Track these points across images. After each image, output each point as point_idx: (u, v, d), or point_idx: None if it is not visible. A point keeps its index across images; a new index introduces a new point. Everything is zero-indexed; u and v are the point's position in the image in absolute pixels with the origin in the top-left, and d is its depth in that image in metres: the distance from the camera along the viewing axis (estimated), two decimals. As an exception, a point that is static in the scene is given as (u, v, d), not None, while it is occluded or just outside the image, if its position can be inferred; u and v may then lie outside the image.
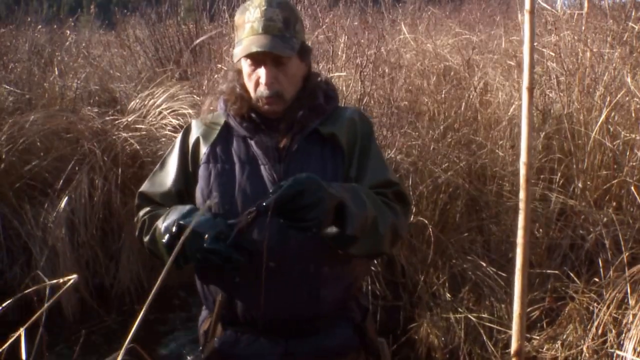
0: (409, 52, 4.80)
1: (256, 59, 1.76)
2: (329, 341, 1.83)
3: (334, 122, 1.86)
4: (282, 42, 1.73)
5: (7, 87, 5.33)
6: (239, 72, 1.87)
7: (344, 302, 1.88)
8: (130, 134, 4.56)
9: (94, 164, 4.45)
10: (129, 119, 4.72)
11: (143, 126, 4.55)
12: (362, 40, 3.91)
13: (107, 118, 4.86)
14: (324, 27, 3.91)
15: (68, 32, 6.87)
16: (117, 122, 4.78)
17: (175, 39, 7.31)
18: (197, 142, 1.89)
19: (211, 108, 1.99)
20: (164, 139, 4.57)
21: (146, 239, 1.83)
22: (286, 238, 1.67)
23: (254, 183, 1.78)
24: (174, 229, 1.63)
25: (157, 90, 4.96)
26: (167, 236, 1.65)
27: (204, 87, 4.37)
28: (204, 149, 1.87)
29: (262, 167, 1.79)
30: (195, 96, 4.66)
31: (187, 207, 1.74)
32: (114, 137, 4.57)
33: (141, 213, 1.91)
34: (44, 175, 4.68)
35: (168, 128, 4.63)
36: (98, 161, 4.41)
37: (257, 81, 1.79)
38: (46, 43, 6.81)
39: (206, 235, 1.59)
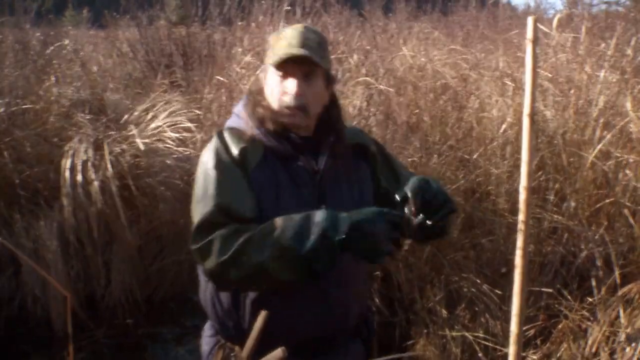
0: (403, 65, 4.84)
1: (288, 70, 1.81)
2: (345, 358, 1.89)
3: (360, 138, 2.01)
4: (318, 56, 1.80)
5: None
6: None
7: (361, 318, 1.95)
8: (125, 146, 4.55)
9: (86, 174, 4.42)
10: (128, 133, 4.69)
11: (140, 140, 4.52)
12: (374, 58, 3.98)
13: (101, 128, 4.82)
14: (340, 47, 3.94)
15: (67, 41, 6.80)
16: (111, 132, 4.74)
17: (166, 42, 7.29)
18: (244, 153, 1.81)
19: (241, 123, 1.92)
20: (161, 152, 4.56)
21: (260, 258, 1.61)
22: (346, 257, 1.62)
23: (296, 209, 1.70)
24: (342, 230, 1.57)
25: (155, 100, 4.96)
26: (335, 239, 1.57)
27: (204, 99, 4.38)
28: (252, 165, 1.81)
29: (303, 191, 1.83)
30: (196, 110, 4.67)
31: (313, 213, 1.65)
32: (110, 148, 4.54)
33: (229, 231, 1.68)
34: (35, 184, 4.64)
35: (167, 141, 4.63)
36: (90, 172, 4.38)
37: (283, 91, 1.82)
38: (38, 47, 6.77)
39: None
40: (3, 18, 6.74)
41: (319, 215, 1.63)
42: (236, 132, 1.87)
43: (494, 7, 11.94)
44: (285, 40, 1.83)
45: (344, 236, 1.57)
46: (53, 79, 5.86)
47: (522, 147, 2.30)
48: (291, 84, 1.82)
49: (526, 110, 2.28)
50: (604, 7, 5.11)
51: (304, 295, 1.77)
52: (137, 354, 4.11)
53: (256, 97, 1.90)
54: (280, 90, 1.83)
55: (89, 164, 4.28)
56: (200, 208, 1.74)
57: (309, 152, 1.87)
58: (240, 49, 4.23)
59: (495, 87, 4.43)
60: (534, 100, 2.32)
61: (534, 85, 2.29)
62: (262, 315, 1.49)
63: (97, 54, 8.25)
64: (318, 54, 1.81)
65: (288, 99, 1.82)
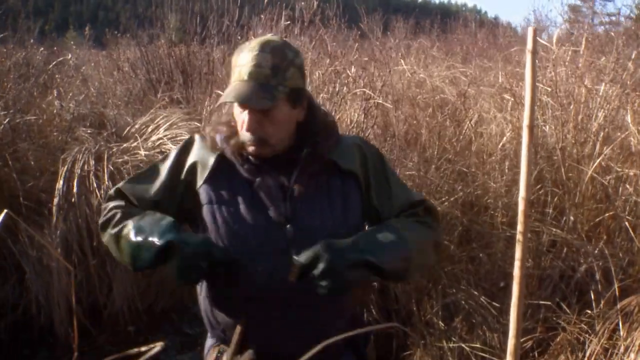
0: (403, 81, 4.87)
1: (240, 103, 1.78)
2: None
3: (343, 154, 1.89)
4: (263, 92, 1.72)
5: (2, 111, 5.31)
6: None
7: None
8: (127, 157, 4.58)
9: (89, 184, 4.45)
10: (130, 145, 4.73)
11: (141, 151, 4.56)
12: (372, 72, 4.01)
13: (102, 142, 4.86)
14: (335, 63, 3.97)
15: (70, 55, 6.87)
16: (112, 145, 4.79)
17: (166, 60, 7.35)
18: (193, 166, 1.90)
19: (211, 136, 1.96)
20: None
21: (112, 231, 1.84)
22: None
23: (263, 226, 1.78)
24: (158, 244, 1.69)
25: (155, 114, 5.00)
26: (150, 248, 1.70)
27: (203, 114, 4.41)
28: (200, 180, 1.88)
29: (269, 210, 1.80)
30: (196, 122, 4.70)
31: (166, 219, 1.77)
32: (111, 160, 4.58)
33: (112, 204, 1.92)
34: (38, 195, 4.69)
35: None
36: (92, 182, 4.41)
37: (242, 124, 1.80)
38: (42, 63, 6.85)
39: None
40: (5, 33, 6.78)
41: (164, 223, 1.75)
42: (207, 141, 1.93)
43: (493, 27, 12.06)
44: (238, 67, 1.77)
45: (163, 244, 1.69)
46: (55, 93, 5.92)
47: (521, 158, 2.31)
48: (245, 118, 1.79)
49: (525, 121, 2.30)
50: (603, 28, 5.17)
51: (282, 313, 1.77)
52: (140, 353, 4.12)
53: (232, 126, 1.89)
54: (240, 122, 1.82)
55: (91, 174, 4.30)
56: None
57: (283, 167, 1.84)
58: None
59: (494, 102, 4.46)
60: (533, 111, 2.34)
61: (534, 96, 2.31)
62: (240, 323, 1.72)
63: (97, 72, 8.32)
64: (272, 80, 1.74)
65: (246, 134, 1.80)
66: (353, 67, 3.96)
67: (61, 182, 4.26)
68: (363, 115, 3.63)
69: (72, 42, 9.98)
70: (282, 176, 1.83)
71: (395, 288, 3.67)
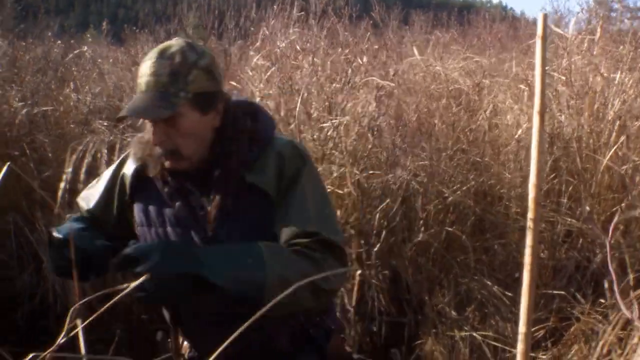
0: (418, 74, 4.85)
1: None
2: None
3: (259, 170, 1.74)
4: (160, 101, 1.62)
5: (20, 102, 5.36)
6: None
7: (302, 334, 1.86)
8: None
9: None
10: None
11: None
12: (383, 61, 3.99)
13: (118, 134, 4.88)
14: (346, 51, 3.94)
15: (85, 47, 6.91)
16: (126, 135, 4.79)
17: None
18: (124, 180, 1.87)
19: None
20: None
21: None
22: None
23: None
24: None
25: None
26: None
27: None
28: (128, 196, 1.86)
29: (191, 231, 1.75)
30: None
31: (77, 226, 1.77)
32: (124, 150, 4.60)
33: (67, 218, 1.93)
34: (55, 185, 4.73)
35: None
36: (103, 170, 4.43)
37: (152, 137, 1.70)
38: (59, 57, 6.91)
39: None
40: (22, 25, 6.84)
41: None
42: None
43: (515, 20, 11.94)
44: (138, 79, 1.68)
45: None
46: (72, 85, 5.96)
47: (532, 144, 2.30)
48: (153, 133, 1.69)
49: (536, 107, 2.28)
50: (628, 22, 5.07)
51: (217, 328, 1.64)
52: (151, 342, 4.15)
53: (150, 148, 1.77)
54: (151, 137, 1.71)
55: (103, 162, 4.33)
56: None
57: (204, 185, 1.75)
58: (252, 53, 4.26)
59: (510, 93, 4.42)
60: (544, 97, 2.31)
61: (544, 82, 2.28)
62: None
63: (115, 67, 8.36)
64: (170, 88, 1.64)
65: (157, 148, 1.71)
66: (365, 56, 3.94)
67: (70, 169, 4.28)
68: (374, 104, 3.61)
69: (89, 37, 10.04)
70: (203, 196, 1.75)
71: (407, 277, 3.66)
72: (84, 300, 0.91)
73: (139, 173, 1.82)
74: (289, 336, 1.82)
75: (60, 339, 0.80)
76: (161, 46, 1.70)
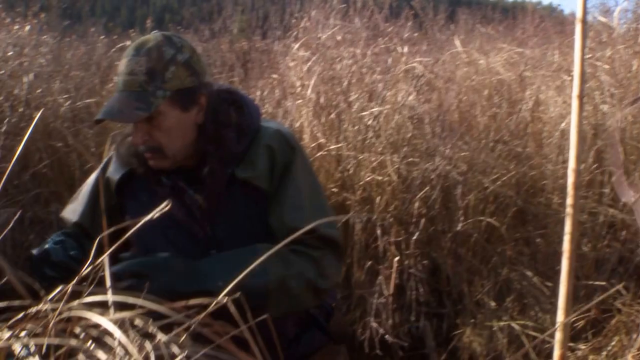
0: (460, 66, 4.82)
1: None
2: (298, 348, 1.81)
3: (250, 164, 1.72)
4: (137, 101, 1.58)
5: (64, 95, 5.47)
6: None
7: (307, 318, 1.85)
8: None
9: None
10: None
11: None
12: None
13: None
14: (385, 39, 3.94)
15: (129, 42, 7.04)
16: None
17: (228, 55, 7.42)
18: (109, 184, 1.81)
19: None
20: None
21: None
22: None
23: (190, 251, 1.66)
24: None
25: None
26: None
27: (257, 94, 4.46)
28: (115, 199, 1.80)
29: (188, 230, 1.72)
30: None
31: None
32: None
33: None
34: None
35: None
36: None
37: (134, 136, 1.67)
38: (103, 51, 7.05)
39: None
40: (69, 22, 6.99)
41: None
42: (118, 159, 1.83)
43: (564, 18, 11.76)
44: (117, 77, 1.66)
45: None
46: (115, 79, 6.06)
47: (571, 129, 2.28)
48: (133, 133, 1.66)
49: (575, 91, 2.27)
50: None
51: None
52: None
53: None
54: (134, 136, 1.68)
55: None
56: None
57: (196, 183, 1.71)
58: (294, 44, 4.28)
59: (552, 83, 4.36)
60: (582, 81, 2.29)
61: (582, 66, 2.27)
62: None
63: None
64: (148, 86, 1.60)
65: (140, 148, 1.67)
66: (405, 46, 3.93)
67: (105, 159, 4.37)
68: (415, 94, 3.60)
69: (133, 34, 10.22)
70: (197, 194, 1.71)
71: (447, 269, 3.64)
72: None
73: (127, 175, 1.78)
74: (295, 321, 1.82)
75: (85, 269, 0.82)
76: (137, 41, 1.66)
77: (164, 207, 0.96)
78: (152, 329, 0.78)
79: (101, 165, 1.87)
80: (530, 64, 4.68)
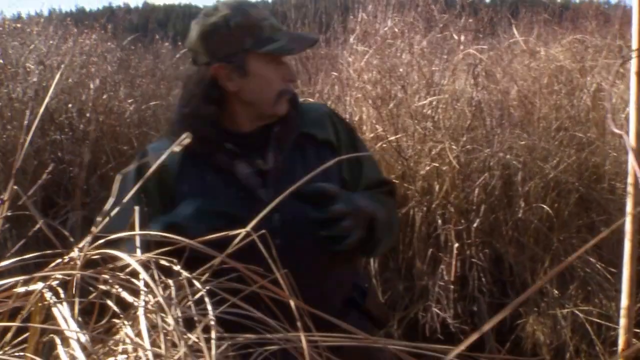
0: (519, 55, 4.77)
1: (279, 56, 1.64)
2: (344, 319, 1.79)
3: (316, 123, 1.72)
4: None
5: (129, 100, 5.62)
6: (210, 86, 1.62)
7: (350, 301, 1.82)
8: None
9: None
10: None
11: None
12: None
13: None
14: (440, 26, 3.95)
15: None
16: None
17: (293, 62, 7.51)
18: (168, 176, 1.66)
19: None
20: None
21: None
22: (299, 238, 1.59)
23: (250, 218, 1.55)
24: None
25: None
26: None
27: (316, 88, 4.52)
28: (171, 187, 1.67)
29: (256, 194, 1.64)
30: (309, 100, 4.82)
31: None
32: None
33: None
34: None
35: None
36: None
37: (283, 79, 1.65)
38: (168, 58, 7.24)
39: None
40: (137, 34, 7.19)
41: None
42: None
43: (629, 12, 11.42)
44: (265, 20, 1.62)
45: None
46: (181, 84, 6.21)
47: (630, 106, 2.24)
48: (290, 70, 1.67)
49: (634, 68, 2.23)
50: None
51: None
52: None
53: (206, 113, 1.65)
54: (276, 78, 1.64)
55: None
56: None
57: (257, 148, 1.66)
58: (352, 39, 4.32)
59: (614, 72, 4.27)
60: (642, 59, 2.25)
61: (641, 42, 2.23)
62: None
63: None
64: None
65: (288, 86, 1.66)
66: (462, 35, 3.92)
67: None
68: (472, 80, 3.58)
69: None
70: (258, 159, 1.66)
71: (510, 259, 3.61)
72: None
73: (184, 157, 1.65)
74: (341, 299, 1.80)
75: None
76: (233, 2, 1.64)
77: (183, 138, 0.89)
78: (176, 267, 0.80)
79: (135, 174, 1.53)
80: (591, 51, 4.60)
